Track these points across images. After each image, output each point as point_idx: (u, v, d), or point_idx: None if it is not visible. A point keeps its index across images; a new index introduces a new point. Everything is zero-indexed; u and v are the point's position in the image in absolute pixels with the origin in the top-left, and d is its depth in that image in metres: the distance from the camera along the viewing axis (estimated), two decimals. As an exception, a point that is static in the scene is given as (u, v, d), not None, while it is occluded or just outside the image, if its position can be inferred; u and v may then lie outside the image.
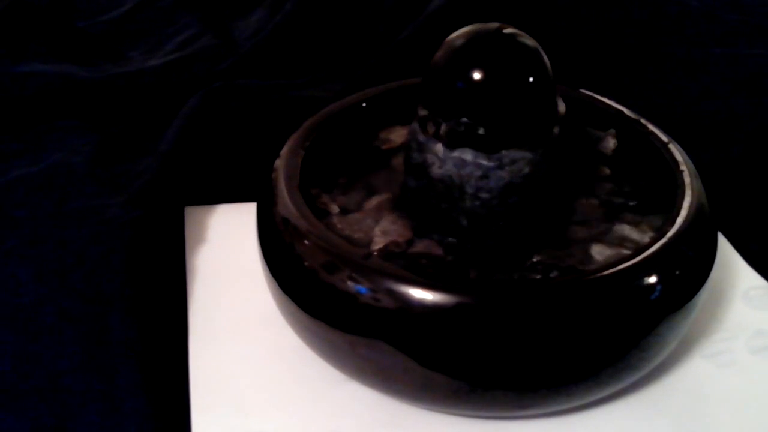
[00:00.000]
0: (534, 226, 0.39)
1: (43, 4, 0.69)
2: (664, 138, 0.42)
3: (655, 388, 0.39)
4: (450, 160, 0.37)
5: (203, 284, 0.44)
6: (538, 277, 0.36)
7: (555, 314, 0.33)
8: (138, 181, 0.49)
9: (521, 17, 0.54)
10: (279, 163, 0.40)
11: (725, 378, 0.40)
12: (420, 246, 0.38)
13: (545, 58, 0.37)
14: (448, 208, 0.38)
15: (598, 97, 0.45)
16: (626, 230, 0.39)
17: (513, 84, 0.36)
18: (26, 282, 0.43)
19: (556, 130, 0.38)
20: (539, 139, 0.37)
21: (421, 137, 0.38)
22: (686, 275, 0.36)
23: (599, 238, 0.38)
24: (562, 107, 0.39)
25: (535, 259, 0.37)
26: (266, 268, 0.38)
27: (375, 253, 0.36)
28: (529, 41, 0.37)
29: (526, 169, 0.37)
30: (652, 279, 0.34)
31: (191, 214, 0.49)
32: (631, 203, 0.41)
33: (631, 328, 0.34)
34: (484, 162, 0.37)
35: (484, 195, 0.37)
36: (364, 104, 0.45)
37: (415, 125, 0.38)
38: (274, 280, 0.37)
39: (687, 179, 0.39)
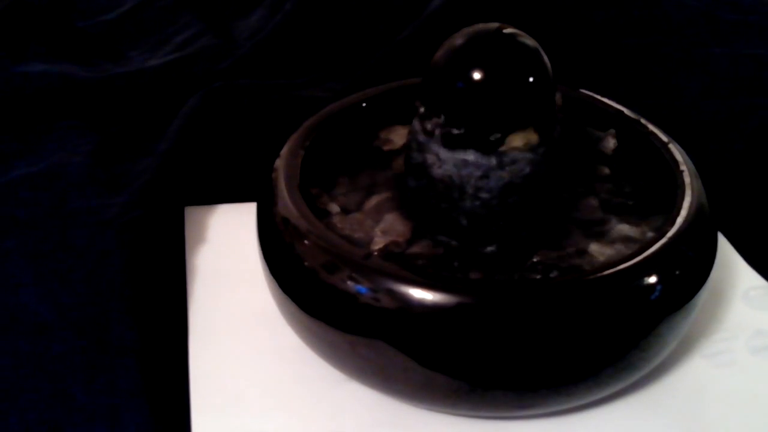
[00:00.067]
0: (534, 226, 0.39)
1: (43, 4, 0.69)
2: (664, 138, 0.42)
3: (655, 388, 0.39)
4: (450, 160, 0.37)
5: (203, 284, 0.44)
6: (538, 277, 0.36)
7: (555, 314, 0.33)
8: (138, 181, 0.49)
9: (521, 17, 0.53)
10: (279, 163, 0.40)
11: (725, 378, 0.40)
12: (420, 246, 0.38)
13: (545, 58, 0.37)
14: (448, 208, 0.38)
15: (598, 97, 0.45)
16: (626, 230, 0.39)
17: (513, 84, 0.36)
18: (26, 282, 0.43)
19: (556, 130, 0.38)
20: (539, 138, 0.37)
21: (421, 137, 0.38)
22: (686, 275, 0.36)
23: (599, 238, 0.38)
24: (561, 107, 0.39)
25: (535, 259, 0.37)
26: (266, 268, 0.38)
27: (375, 253, 0.36)
28: (529, 41, 0.37)
29: (527, 169, 0.37)
30: (652, 279, 0.34)
31: (191, 214, 0.49)
32: (631, 203, 0.41)
33: (631, 328, 0.34)
34: (484, 162, 0.37)
35: (484, 195, 0.37)
36: (364, 104, 0.45)
37: (416, 125, 0.38)
38: (274, 280, 0.37)
39: (687, 179, 0.39)
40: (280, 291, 0.37)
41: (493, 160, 0.37)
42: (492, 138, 0.36)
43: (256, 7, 0.71)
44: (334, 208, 0.40)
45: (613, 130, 0.44)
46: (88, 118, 0.57)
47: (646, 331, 0.35)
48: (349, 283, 0.34)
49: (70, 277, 0.43)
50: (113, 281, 0.42)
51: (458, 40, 0.37)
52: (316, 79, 0.61)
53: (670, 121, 0.47)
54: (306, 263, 0.35)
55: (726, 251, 0.46)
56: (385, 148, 0.44)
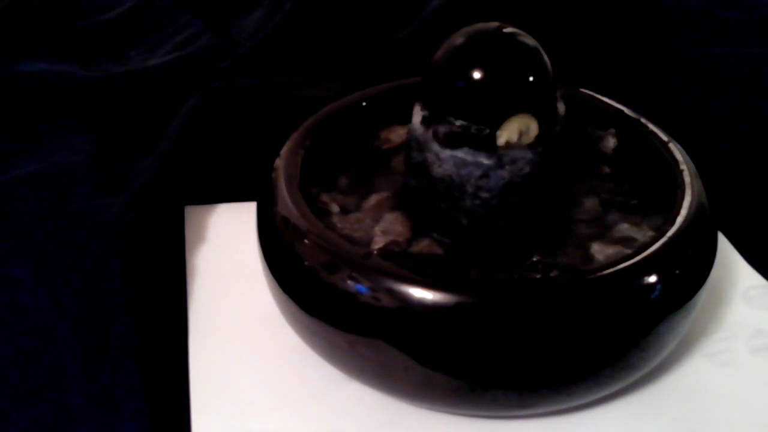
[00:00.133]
0: (534, 225, 0.39)
1: (43, 3, 0.69)
2: (664, 137, 0.41)
3: (655, 388, 0.39)
4: (450, 159, 0.37)
5: (203, 284, 0.44)
6: (538, 276, 0.36)
7: (555, 314, 0.33)
8: (138, 181, 0.48)
9: (521, 17, 0.53)
10: (279, 162, 0.40)
11: (725, 377, 0.40)
12: (420, 245, 0.38)
13: (545, 57, 0.37)
14: (448, 208, 0.38)
15: (598, 96, 0.45)
16: (626, 229, 0.39)
17: (513, 84, 0.36)
18: (26, 282, 0.43)
19: (556, 129, 0.38)
20: (539, 138, 0.37)
21: (421, 137, 0.38)
22: (686, 275, 0.36)
23: (599, 238, 0.38)
24: (562, 107, 0.39)
25: (535, 259, 0.37)
26: (266, 267, 0.38)
27: (375, 253, 0.36)
28: (529, 41, 0.37)
29: (527, 169, 0.37)
30: (652, 278, 0.34)
31: (191, 213, 0.49)
32: (631, 202, 0.41)
33: (631, 328, 0.34)
34: (484, 161, 0.37)
35: (484, 194, 0.37)
36: (364, 104, 0.45)
37: (415, 125, 0.38)
38: (274, 280, 0.37)
39: (687, 179, 0.39)
40: (280, 291, 0.37)
41: (493, 160, 0.37)
42: (492, 138, 0.36)
43: (256, 7, 0.71)
44: (334, 207, 0.40)
45: (613, 130, 0.44)
46: (88, 117, 0.57)
47: (646, 331, 0.35)
48: (349, 282, 0.34)
49: (70, 277, 0.43)
50: (113, 281, 0.42)
51: (458, 39, 0.37)
52: (316, 79, 0.61)
53: (670, 121, 0.47)
54: (306, 263, 0.35)
55: (726, 251, 0.46)
56: (385, 147, 0.44)
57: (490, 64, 0.36)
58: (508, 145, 0.36)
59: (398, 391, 0.36)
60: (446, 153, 0.37)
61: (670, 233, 0.36)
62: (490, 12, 0.53)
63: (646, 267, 0.34)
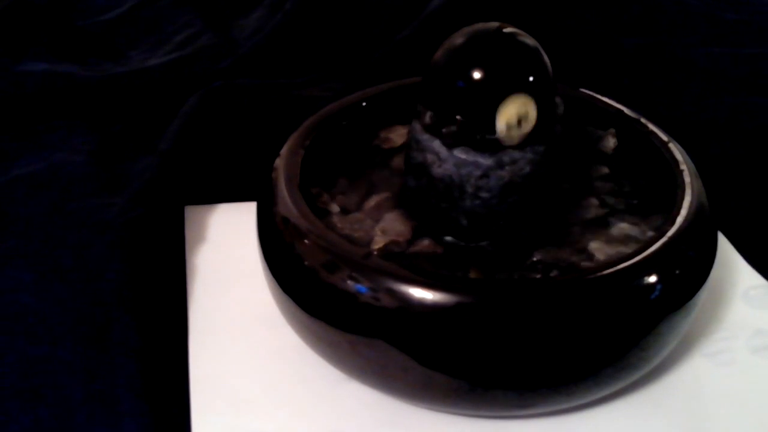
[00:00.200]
0: (534, 225, 0.39)
1: (43, 3, 0.69)
2: (664, 137, 0.41)
3: (655, 388, 0.39)
4: (450, 159, 0.37)
5: (203, 284, 0.44)
6: (539, 276, 0.36)
7: (555, 313, 0.33)
8: (138, 181, 0.49)
9: (521, 17, 0.53)
10: (279, 162, 0.40)
11: (725, 377, 0.40)
12: (420, 245, 0.38)
13: (545, 57, 0.37)
14: (448, 208, 0.38)
15: (598, 96, 0.45)
16: (626, 229, 0.39)
17: (513, 84, 0.36)
18: (26, 282, 0.43)
19: (556, 129, 0.38)
20: (539, 138, 0.37)
21: (421, 137, 0.38)
22: (686, 275, 0.36)
23: (599, 237, 0.38)
24: (561, 107, 0.39)
25: (535, 258, 0.37)
26: (266, 267, 0.38)
27: (375, 253, 0.36)
28: (529, 41, 0.37)
29: (527, 169, 0.37)
30: (652, 278, 0.34)
31: (191, 213, 0.49)
32: (632, 202, 0.41)
33: (631, 328, 0.34)
34: (484, 161, 0.37)
35: (484, 194, 0.37)
36: (364, 104, 0.45)
37: (415, 125, 0.38)
38: (274, 280, 0.37)
39: (687, 179, 0.39)
40: (280, 291, 0.37)
41: (493, 160, 0.37)
42: (492, 137, 0.36)
43: (256, 7, 0.71)
44: (334, 207, 0.40)
45: (613, 130, 0.44)
46: (88, 117, 0.57)
47: (646, 331, 0.35)
48: (349, 282, 0.34)
49: (70, 277, 0.43)
50: (113, 281, 0.42)
51: (458, 39, 0.37)
52: (316, 79, 0.61)
53: (670, 120, 0.47)
54: (306, 263, 0.35)
55: (726, 251, 0.46)
56: (385, 147, 0.44)
57: (490, 64, 0.36)
58: (509, 129, 0.36)
59: (398, 391, 0.36)
60: (446, 153, 0.37)
61: (670, 233, 0.36)
62: (490, 12, 0.53)
63: (646, 267, 0.34)
